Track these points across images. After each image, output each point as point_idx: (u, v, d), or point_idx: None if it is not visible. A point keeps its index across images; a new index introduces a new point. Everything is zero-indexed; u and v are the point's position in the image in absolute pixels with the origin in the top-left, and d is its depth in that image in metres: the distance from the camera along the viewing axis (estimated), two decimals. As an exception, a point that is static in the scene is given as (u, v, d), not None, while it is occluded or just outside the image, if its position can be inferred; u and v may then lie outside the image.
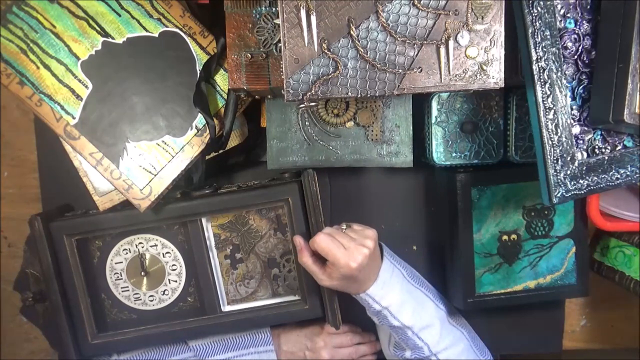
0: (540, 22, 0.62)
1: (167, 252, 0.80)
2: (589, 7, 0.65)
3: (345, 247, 0.67)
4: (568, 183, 0.64)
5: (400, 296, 0.72)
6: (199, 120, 0.71)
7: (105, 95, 0.70)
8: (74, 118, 0.70)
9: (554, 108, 0.63)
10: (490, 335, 0.85)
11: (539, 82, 0.62)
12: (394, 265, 0.74)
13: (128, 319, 0.81)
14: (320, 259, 0.71)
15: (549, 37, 0.62)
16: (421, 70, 0.60)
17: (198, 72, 0.71)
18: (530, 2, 0.61)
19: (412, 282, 0.76)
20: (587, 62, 0.65)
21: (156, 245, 0.80)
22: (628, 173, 0.66)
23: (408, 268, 0.78)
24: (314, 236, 0.69)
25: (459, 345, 0.77)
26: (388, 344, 0.80)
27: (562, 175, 0.64)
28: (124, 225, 0.77)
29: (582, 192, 0.65)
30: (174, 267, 0.81)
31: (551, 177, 0.63)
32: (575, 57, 0.65)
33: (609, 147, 0.66)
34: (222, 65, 0.72)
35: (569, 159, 0.64)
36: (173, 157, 0.71)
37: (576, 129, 0.66)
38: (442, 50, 0.59)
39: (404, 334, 0.74)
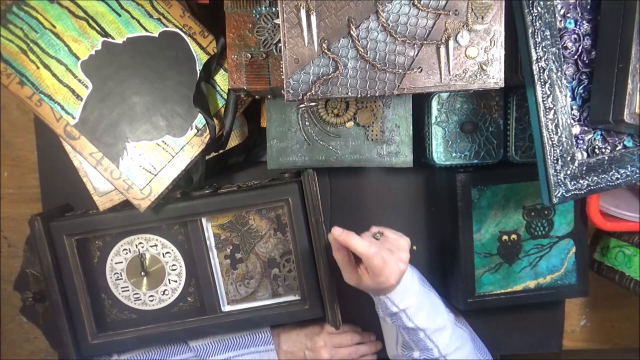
0: (540, 22, 0.62)
1: (167, 252, 0.80)
2: (589, 7, 0.65)
3: (385, 262, 0.64)
4: (568, 183, 0.64)
5: (417, 299, 0.71)
6: (199, 120, 0.71)
7: (105, 95, 0.70)
8: (74, 118, 0.70)
9: (554, 108, 0.63)
10: (490, 335, 0.85)
11: (539, 82, 0.62)
12: (412, 268, 0.74)
13: (128, 319, 0.81)
14: (355, 258, 0.68)
15: (549, 37, 0.62)
16: (421, 70, 0.60)
17: (198, 72, 0.71)
18: (530, 2, 0.61)
19: (424, 285, 0.76)
20: (587, 62, 0.65)
21: (156, 245, 0.80)
22: (628, 173, 0.66)
23: (417, 270, 0.77)
24: (358, 242, 0.63)
25: (466, 347, 0.77)
26: (395, 345, 0.79)
27: (562, 175, 0.64)
28: (124, 225, 0.77)
29: (582, 192, 0.65)
30: (174, 267, 0.81)
31: (551, 177, 0.63)
32: (575, 57, 0.65)
33: (609, 147, 0.66)
34: (222, 65, 0.72)
35: (569, 159, 0.64)
36: (173, 157, 0.71)
37: (576, 129, 0.66)
38: (442, 50, 0.59)
39: (416, 336, 0.73)
